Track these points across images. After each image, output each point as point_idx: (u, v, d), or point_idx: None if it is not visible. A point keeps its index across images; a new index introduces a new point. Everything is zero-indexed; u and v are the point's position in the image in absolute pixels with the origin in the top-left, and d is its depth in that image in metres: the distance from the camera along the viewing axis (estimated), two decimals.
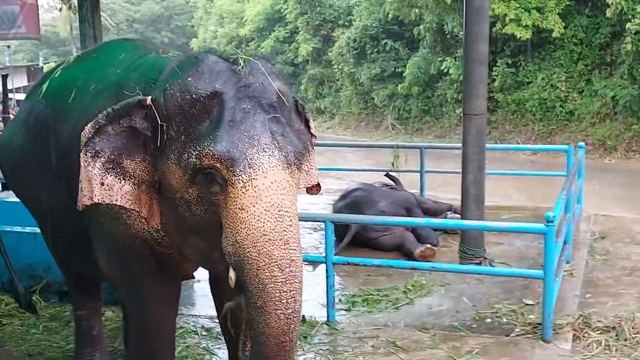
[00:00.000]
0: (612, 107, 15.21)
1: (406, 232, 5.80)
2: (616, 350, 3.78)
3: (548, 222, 3.78)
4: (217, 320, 3.31)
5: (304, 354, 3.81)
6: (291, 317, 2.10)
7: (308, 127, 2.67)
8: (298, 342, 3.74)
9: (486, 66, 5.26)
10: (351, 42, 22.36)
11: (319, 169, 2.89)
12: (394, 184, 6.81)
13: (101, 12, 6.83)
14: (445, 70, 18.60)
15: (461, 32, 8.01)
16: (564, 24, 15.78)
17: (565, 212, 4.88)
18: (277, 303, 2.08)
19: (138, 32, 39.33)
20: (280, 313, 2.09)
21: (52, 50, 40.30)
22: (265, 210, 2.08)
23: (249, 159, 2.09)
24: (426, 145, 8.87)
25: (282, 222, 2.09)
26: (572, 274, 4.98)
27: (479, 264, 5.14)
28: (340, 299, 4.64)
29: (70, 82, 2.95)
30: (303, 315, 4.09)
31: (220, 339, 3.85)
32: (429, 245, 5.59)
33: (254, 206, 2.08)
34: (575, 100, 16.16)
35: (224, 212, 2.13)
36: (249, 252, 2.08)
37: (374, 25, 22.04)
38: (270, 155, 2.12)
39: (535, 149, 14.04)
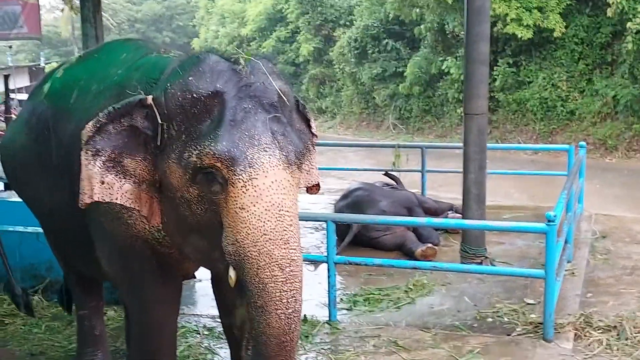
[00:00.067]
0: (613, 107, 15.19)
1: (407, 231, 5.80)
2: (617, 349, 3.78)
3: (549, 221, 3.78)
4: (218, 320, 3.32)
5: (306, 354, 3.81)
6: (292, 316, 2.10)
7: (309, 126, 2.67)
8: (300, 342, 3.76)
9: (487, 66, 5.27)
10: (352, 42, 22.34)
11: (321, 169, 2.90)
12: (395, 183, 6.81)
13: (103, 12, 6.84)
14: (446, 70, 18.58)
15: (462, 32, 8.02)
16: (565, 24, 15.76)
17: (567, 212, 4.88)
18: (277, 303, 2.08)
19: (139, 32, 39.32)
20: (281, 313, 2.09)
21: (53, 51, 40.33)
22: (265, 209, 2.08)
23: (249, 158, 2.09)
24: (427, 144, 8.87)
25: (282, 221, 2.10)
26: (573, 273, 4.98)
27: (480, 263, 5.14)
28: (341, 299, 4.64)
29: (72, 82, 2.96)
30: (304, 315, 4.09)
31: (222, 338, 3.85)
32: (430, 245, 5.59)
33: (254, 205, 2.08)
34: (576, 100, 16.15)
35: (224, 211, 2.13)
36: (249, 251, 2.09)
37: (375, 25, 22.02)
38: (270, 154, 2.12)
39: (536, 149, 14.03)
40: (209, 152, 2.10)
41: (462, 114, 5.47)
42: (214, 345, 3.95)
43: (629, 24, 13.97)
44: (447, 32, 18.72)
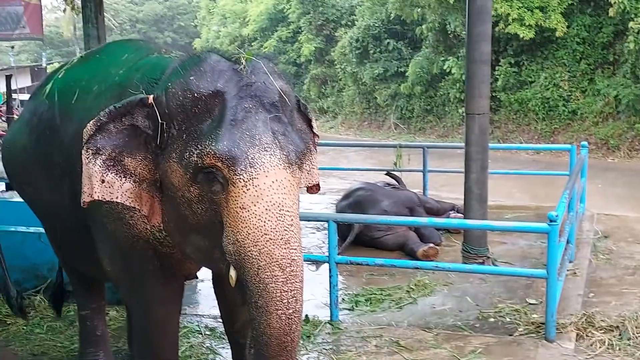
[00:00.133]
0: (615, 106, 15.15)
1: (409, 231, 5.80)
2: (619, 349, 3.78)
3: (551, 221, 3.78)
4: (220, 320, 3.32)
5: (307, 354, 3.81)
6: (292, 317, 2.10)
7: (310, 126, 2.66)
8: (301, 342, 3.76)
9: (489, 66, 5.27)
10: (354, 42, 22.33)
11: (322, 169, 2.90)
12: (396, 183, 6.81)
13: (104, 13, 6.84)
14: (447, 70, 18.55)
15: (464, 32, 8.01)
16: (566, 23, 15.74)
17: (568, 212, 4.87)
18: (278, 303, 2.08)
19: (141, 32, 39.41)
20: (282, 313, 2.08)
21: (55, 51, 40.38)
22: (266, 209, 2.08)
23: (250, 158, 2.09)
24: (429, 144, 8.87)
25: (283, 221, 2.09)
26: (575, 273, 4.98)
27: (482, 263, 5.14)
28: (343, 299, 4.64)
29: (73, 83, 2.96)
30: (306, 315, 4.09)
31: (223, 338, 3.85)
32: (432, 245, 5.59)
33: (255, 205, 2.08)
34: (578, 100, 16.12)
35: (225, 211, 2.13)
36: (249, 251, 2.08)
37: (376, 25, 22.00)
38: (271, 154, 2.12)
39: (538, 149, 14.01)
40: (210, 151, 2.10)
41: (464, 114, 5.46)
42: (215, 345, 3.95)
43: (630, 24, 13.94)
44: (448, 32, 18.70)
